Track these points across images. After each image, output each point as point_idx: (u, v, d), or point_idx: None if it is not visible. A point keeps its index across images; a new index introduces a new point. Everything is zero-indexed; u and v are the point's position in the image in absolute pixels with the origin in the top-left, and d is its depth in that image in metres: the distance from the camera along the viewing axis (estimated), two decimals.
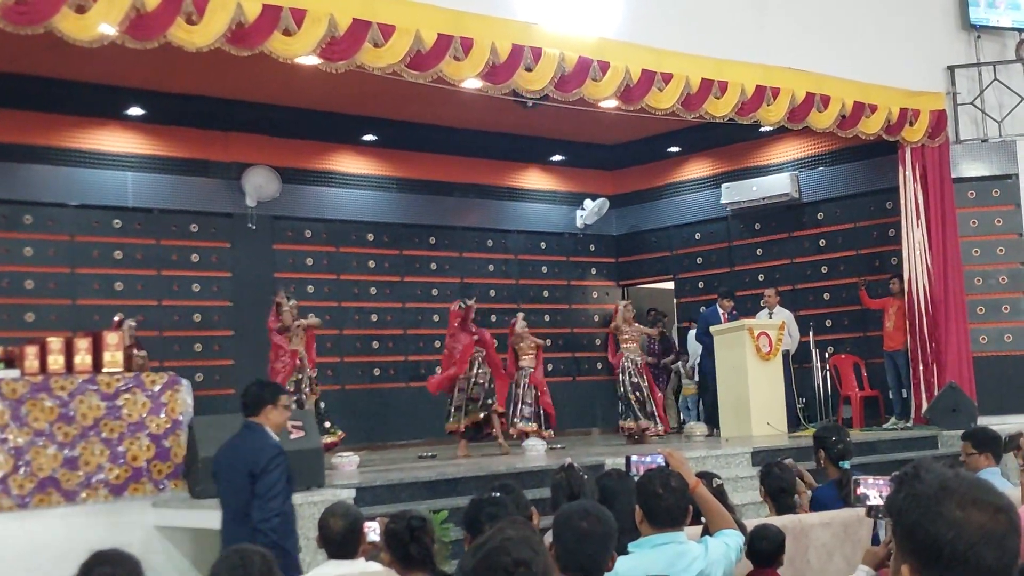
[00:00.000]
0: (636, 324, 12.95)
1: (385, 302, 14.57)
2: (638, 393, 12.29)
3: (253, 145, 13.53)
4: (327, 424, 10.69)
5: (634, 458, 4.81)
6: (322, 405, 10.84)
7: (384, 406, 14.10)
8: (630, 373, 12.38)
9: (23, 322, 11.68)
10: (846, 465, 6.17)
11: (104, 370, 8.20)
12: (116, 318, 10.45)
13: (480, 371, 11.68)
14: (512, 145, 15.36)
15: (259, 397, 5.89)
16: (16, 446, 7.69)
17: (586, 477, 5.19)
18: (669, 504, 4.08)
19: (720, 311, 13.50)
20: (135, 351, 10.32)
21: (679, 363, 15.26)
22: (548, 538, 3.83)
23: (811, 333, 13.87)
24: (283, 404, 5.96)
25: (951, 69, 13.20)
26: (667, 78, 10.62)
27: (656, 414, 12.37)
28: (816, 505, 6.30)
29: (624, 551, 4.03)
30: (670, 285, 16.74)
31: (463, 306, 11.72)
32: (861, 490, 4.12)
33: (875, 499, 4.07)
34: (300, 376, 10.66)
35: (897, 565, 1.78)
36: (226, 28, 7.87)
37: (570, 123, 13.61)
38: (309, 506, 7.27)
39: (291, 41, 8.30)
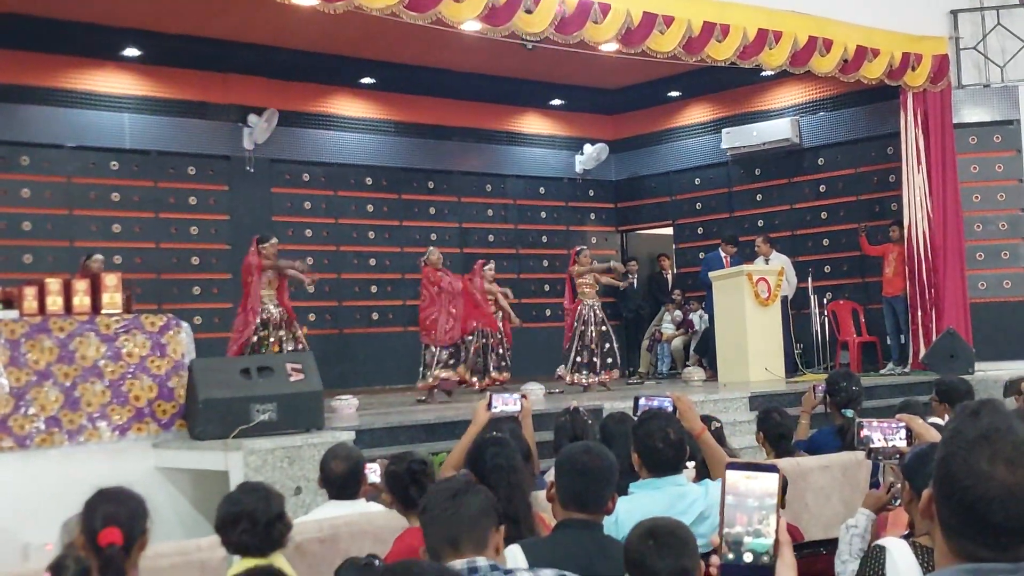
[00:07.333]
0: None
1: (384, 246, 14.54)
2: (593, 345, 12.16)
3: (251, 87, 13.44)
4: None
5: (642, 400, 4.80)
6: None
7: (382, 350, 14.11)
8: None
9: (21, 263, 11.67)
10: (849, 413, 6.16)
11: (103, 311, 8.19)
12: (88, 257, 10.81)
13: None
14: (511, 89, 15.24)
15: None
16: (17, 386, 7.70)
17: (589, 421, 5.21)
18: (668, 457, 4.08)
19: (723, 255, 13.48)
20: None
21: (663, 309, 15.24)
22: (550, 477, 3.86)
23: (810, 279, 13.84)
24: None
25: (954, 13, 13.09)
26: (668, 21, 10.52)
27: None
28: (812, 448, 6.32)
29: (625, 492, 4.05)
30: (669, 231, 16.70)
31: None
32: (865, 432, 4.07)
33: (878, 442, 4.04)
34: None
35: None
36: None
37: (570, 67, 13.51)
38: (309, 448, 7.30)
39: None
